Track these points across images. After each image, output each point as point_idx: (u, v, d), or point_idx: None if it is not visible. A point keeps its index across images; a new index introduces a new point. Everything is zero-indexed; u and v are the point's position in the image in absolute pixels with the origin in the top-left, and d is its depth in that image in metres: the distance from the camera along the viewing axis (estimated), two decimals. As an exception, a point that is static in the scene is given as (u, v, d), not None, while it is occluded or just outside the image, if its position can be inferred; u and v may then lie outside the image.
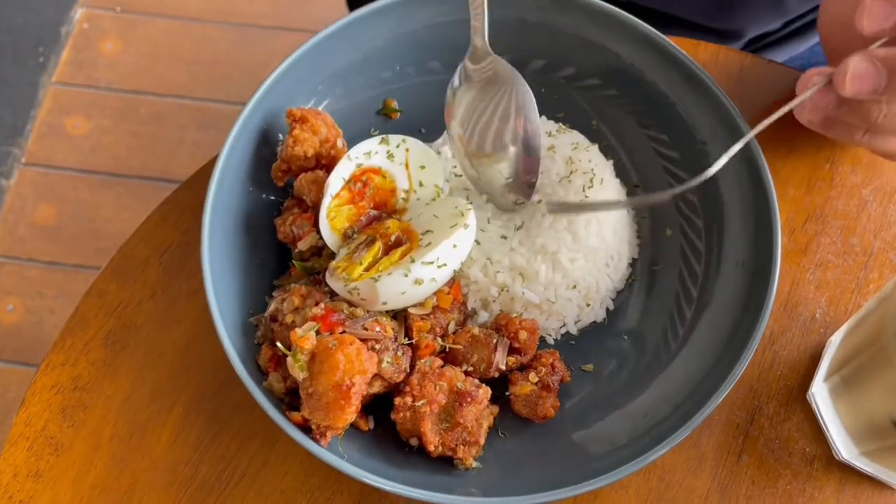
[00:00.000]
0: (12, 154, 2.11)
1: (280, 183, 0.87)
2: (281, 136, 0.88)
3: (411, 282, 0.76)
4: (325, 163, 0.86)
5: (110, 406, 0.85)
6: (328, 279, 0.79)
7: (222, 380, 0.86)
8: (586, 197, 0.86)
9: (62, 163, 2.11)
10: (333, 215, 0.82)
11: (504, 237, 0.85)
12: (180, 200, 0.94)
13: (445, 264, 0.78)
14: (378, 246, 0.79)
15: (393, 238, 0.80)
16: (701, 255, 0.87)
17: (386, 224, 0.81)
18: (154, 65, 2.24)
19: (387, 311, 0.79)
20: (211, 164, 0.93)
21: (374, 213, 0.83)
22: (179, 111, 2.18)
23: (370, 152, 0.84)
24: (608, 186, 0.88)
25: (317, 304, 0.77)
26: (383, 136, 0.85)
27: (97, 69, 2.22)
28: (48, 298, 1.96)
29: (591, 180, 0.86)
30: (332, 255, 0.83)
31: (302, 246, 0.83)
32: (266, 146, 0.88)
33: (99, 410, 0.85)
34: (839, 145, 0.95)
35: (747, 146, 0.83)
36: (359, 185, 0.83)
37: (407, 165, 0.85)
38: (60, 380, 0.86)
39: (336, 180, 0.82)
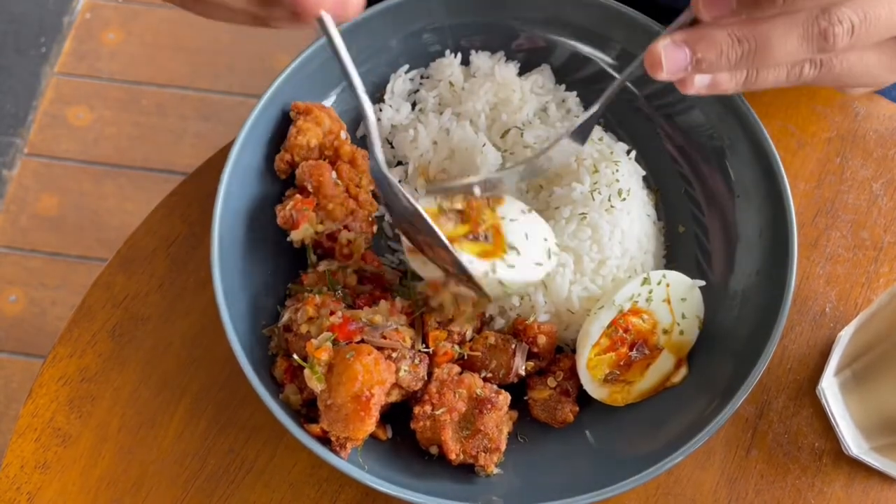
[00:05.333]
0: (15, 144, 2.10)
1: (283, 175, 0.86)
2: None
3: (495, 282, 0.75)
4: (329, 154, 0.85)
5: (118, 398, 0.85)
6: (410, 257, 0.76)
7: (230, 372, 0.86)
8: (612, 207, 0.83)
9: (64, 153, 2.10)
10: (594, 364, 0.79)
11: None
12: (187, 192, 0.93)
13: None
14: (467, 229, 0.76)
15: (481, 230, 0.77)
16: (711, 257, 0.86)
17: (484, 214, 0.78)
18: (156, 55, 2.23)
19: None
20: (217, 155, 0.93)
21: (635, 355, 0.80)
22: (181, 102, 2.17)
23: (632, 296, 0.79)
24: (635, 198, 0.86)
25: (332, 313, 0.76)
26: (645, 276, 0.79)
27: (99, 59, 2.21)
28: (51, 289, 1.96)
29: (619, 192, 0.84)
30: (340, 268, 0.82)
31: (299, 233, 0.82)
32: (276, 149, 0.87)
33: (106, 402, 0.85)
34: (849, 139, 0.94)
35: (761, 144, 0.83)
36: (620, 331, 0.79)
37: (668, 300, 0.80)
38: (68, 371, 0.86)
39: (596, 329, 0.78)
